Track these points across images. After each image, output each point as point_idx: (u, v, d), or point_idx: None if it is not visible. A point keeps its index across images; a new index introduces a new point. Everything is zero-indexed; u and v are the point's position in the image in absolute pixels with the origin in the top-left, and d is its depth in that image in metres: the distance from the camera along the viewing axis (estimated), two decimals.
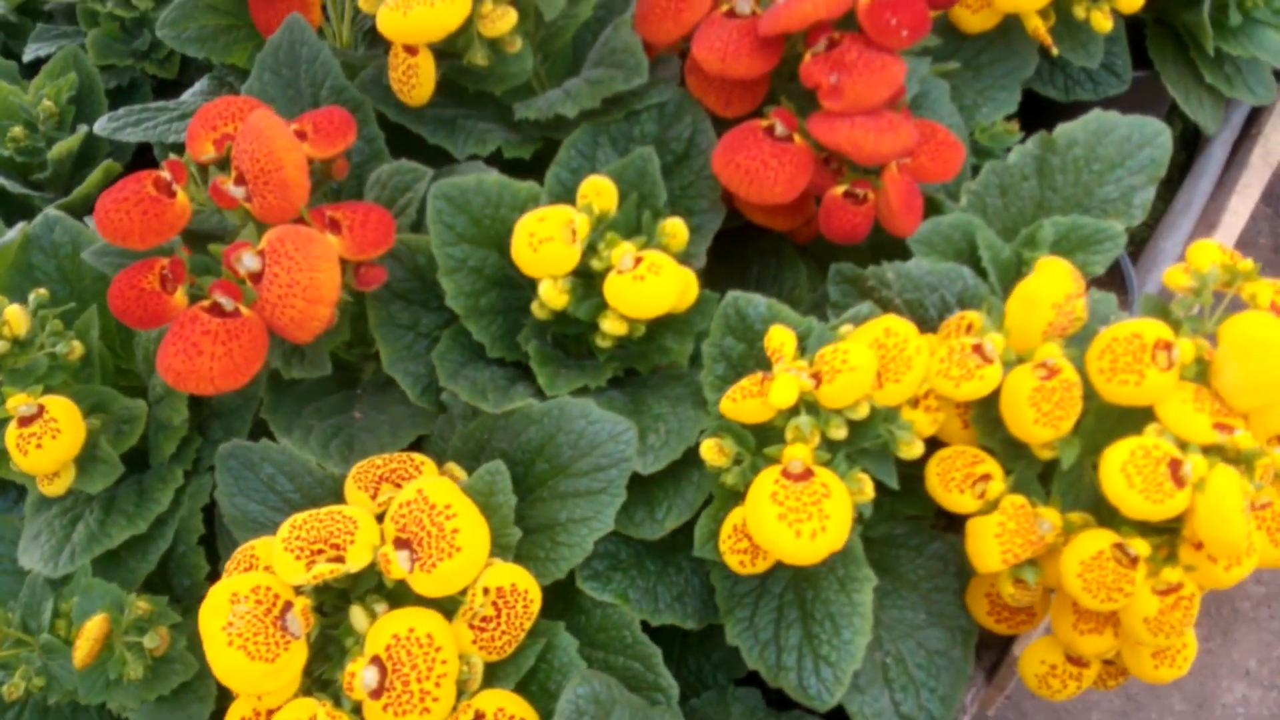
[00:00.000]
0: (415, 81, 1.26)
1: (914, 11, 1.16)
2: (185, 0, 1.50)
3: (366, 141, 1.35)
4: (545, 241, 1.11)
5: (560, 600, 1.11)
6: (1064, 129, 1.36)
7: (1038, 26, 1.51)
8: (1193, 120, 1.82)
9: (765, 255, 1.48)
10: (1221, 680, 2.02)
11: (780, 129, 1.22)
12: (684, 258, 1.30)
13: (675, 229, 1.14)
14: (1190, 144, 2.12)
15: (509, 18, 1.20)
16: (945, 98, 1.48)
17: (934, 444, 1.15)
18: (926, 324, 1.26)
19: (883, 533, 1.25)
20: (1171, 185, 2.15)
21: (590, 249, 1.13)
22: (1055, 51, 1.53)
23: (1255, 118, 2.07)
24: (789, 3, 1.14)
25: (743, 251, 1.50)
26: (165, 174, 1.10)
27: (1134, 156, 1.37)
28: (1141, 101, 1.89)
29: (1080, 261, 1.35)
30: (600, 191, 1.14)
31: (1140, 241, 2.06)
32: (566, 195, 1.34)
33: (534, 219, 1.12)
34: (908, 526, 1.26)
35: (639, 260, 1.11)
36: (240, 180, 1.07)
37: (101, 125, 1.56)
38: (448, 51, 1.27)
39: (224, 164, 1.12)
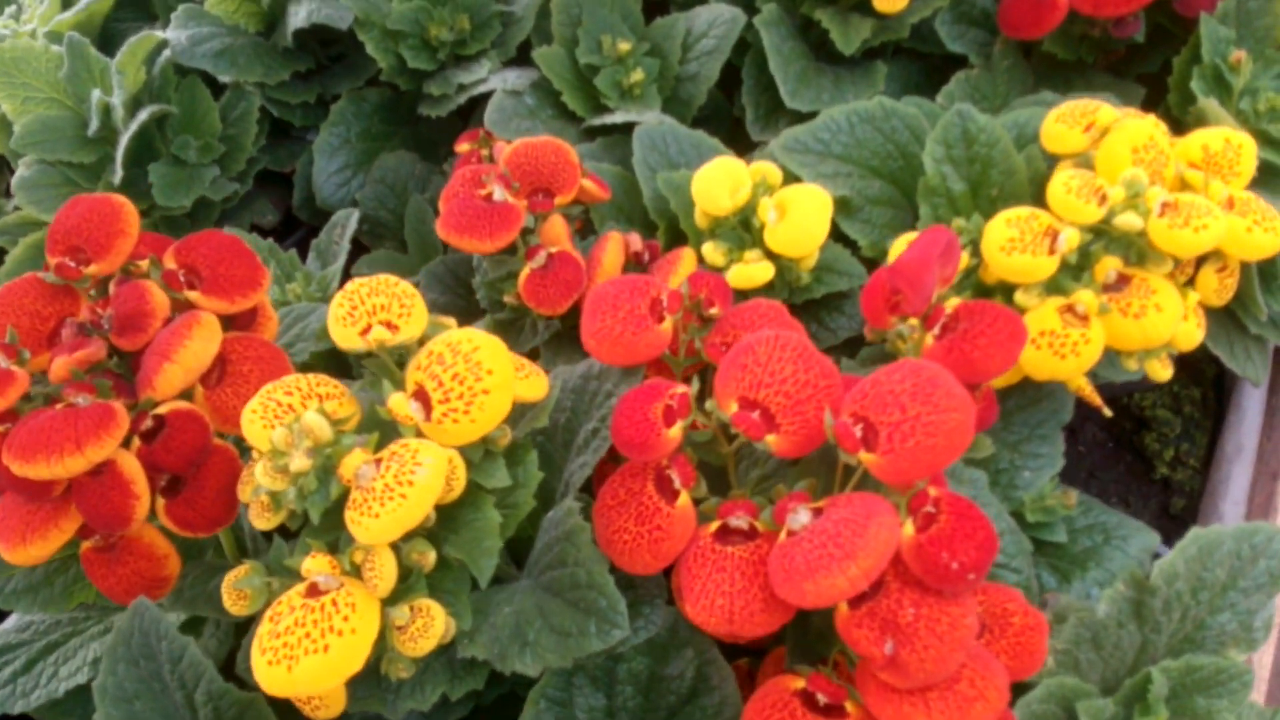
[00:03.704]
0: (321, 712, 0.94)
1: (976, 544, 0.87)
2: None
3: None
4: None
5: None
6: (1161, 566, 1.09)
7: (1081, 386, 1.24)
8: (1239, 374, 1.56)
9: None
10: None
11: (823, 699, 0.92)
12: None
13: None
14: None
15: (432, 630, 0.89)
16: (984, 488, 1.20)
17: None
18: None
19: None
20: (1206, 406, 1.91)
21: None
22: (1108, 413, 1.26)
23: None
24: (811, 570, 0.85)
25: None
26: None
27: (1246, 574, 1.11)
28: None
29: (1203, 709, 1.09)
30: None
31: (1190, 493, 1.80)
32: None
33: None
34: None
35: None
36: None
37: None
38: None
39: None
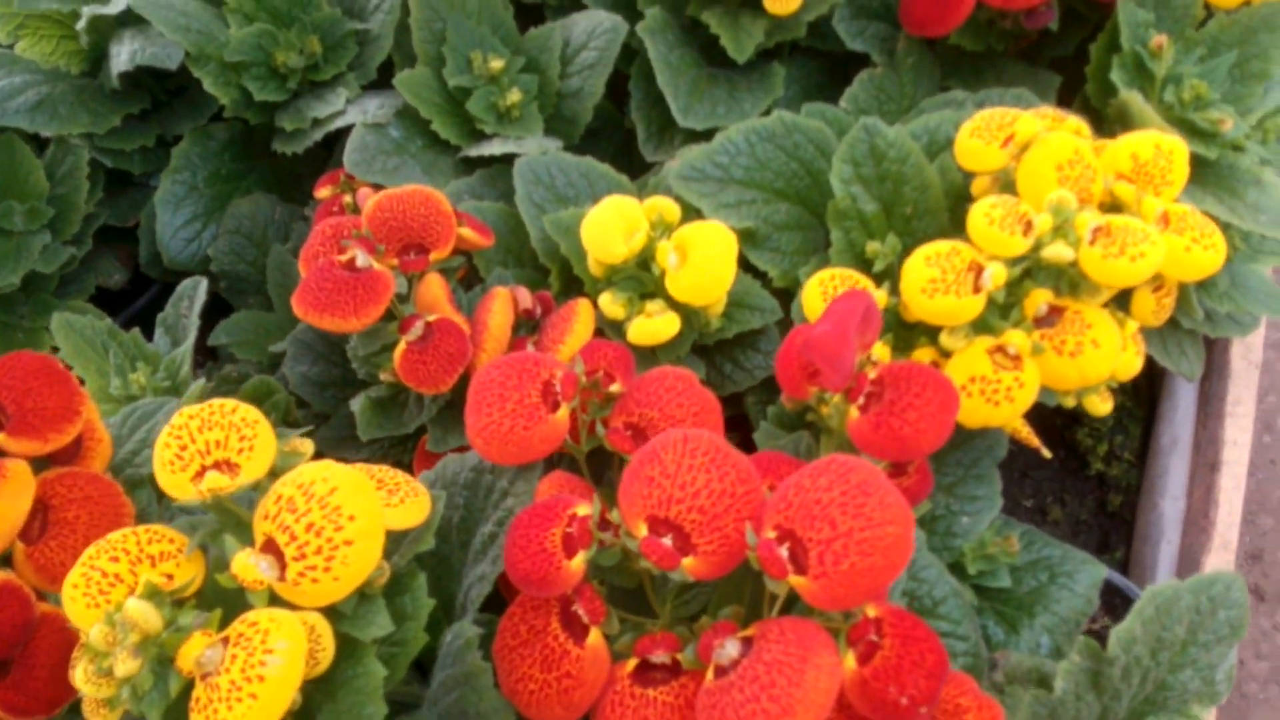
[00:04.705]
0: None
1: (926, 672, 0.78)
2: None
3: None
4: None
5: None
6: (1119, 633, 1.01)
7: (1017, 429, 1.15)
8: (1173, 371, 1.50)
9: None
10: None
11: None
12: None
13: None
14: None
15: None
16: (923, 548, 1.11)
17: None
18: None
19: None
20: (1138, 395, 1.85)
21: None
22: (1047, 454, 1.18)
23: None
24: None
25: None
26: None
27: (1206, 628, 1.03)
28: None
29: None
30: None
31: (1127, 488, 1.75)
32: None
33: None
34: None
35: None
36: None
37: None
38: None
39: None
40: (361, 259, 1.19)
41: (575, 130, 1.57)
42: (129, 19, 1.50)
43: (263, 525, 0.82)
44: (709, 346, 1.36)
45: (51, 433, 0.94)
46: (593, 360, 1.08)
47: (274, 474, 0.88)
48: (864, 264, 1.32)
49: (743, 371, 1.36)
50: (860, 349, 0.94)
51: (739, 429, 1.49)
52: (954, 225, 1.34)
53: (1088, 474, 1.77)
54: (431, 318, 1.21)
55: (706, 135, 1.46)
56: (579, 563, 0.85)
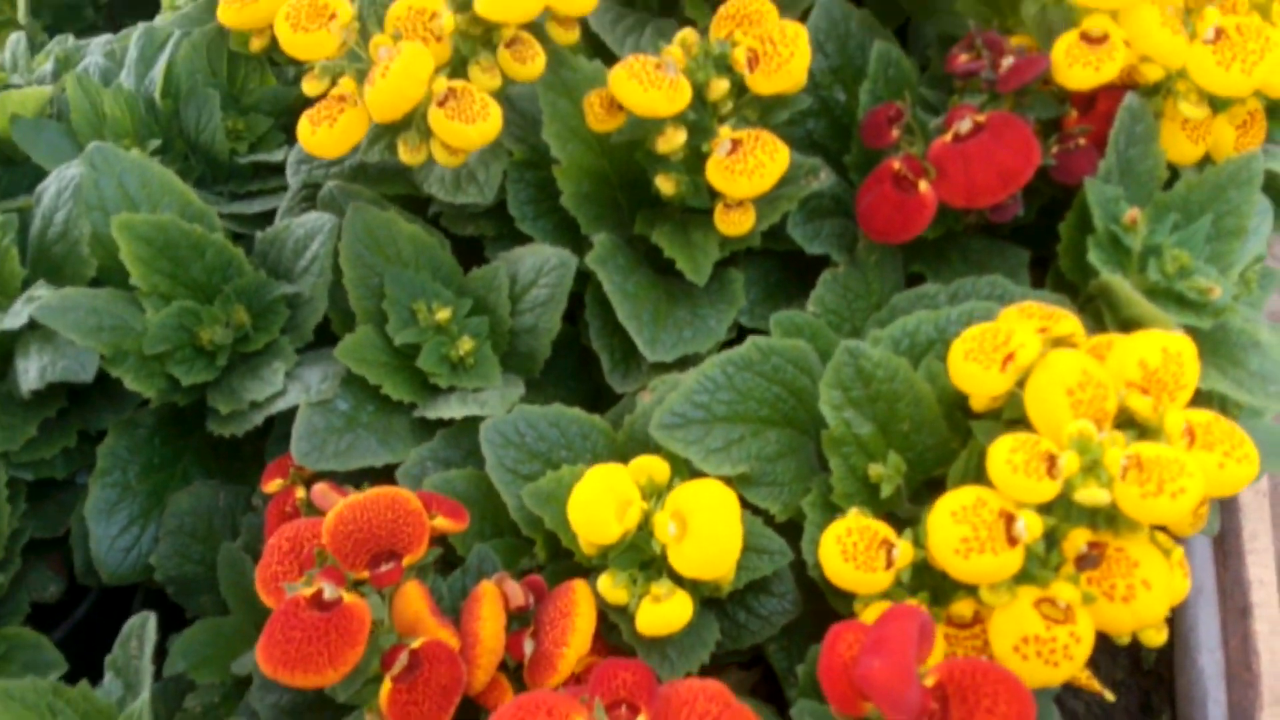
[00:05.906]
0: None
1: None
2: None
3: None
4: None
5: None
6: None
7: (1077, 678, 1.06)
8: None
9: None
10: None
11: None
12: None
13: None
14: None
15: None
16: None
17: None
18: None
19: None
20: None
21: None
22: (1110, 697, 1.09)
23: None
24: None
25: None
26: None
27: None
28: None
29: None
30: None
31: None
32: None
33: None
34: None
35: None
36: None
37: None
38: None
39: None
40: (329, 591, 1.07)
41: (535, 365, 1.48)
42: (32, 326, 1.39)
43: None
44: (719, 598, 1.26)
45: None
46: (610, 688, 0.97)
47: None
48: (869, 489, 1.24)
49: (759, 620, 1.26)
50: (919, 663, 0.85)
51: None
52: (953, 430, 1.27)
53: None
54: (416, 643, 1.08)
55: (674, 367, 1.39)
56: None
